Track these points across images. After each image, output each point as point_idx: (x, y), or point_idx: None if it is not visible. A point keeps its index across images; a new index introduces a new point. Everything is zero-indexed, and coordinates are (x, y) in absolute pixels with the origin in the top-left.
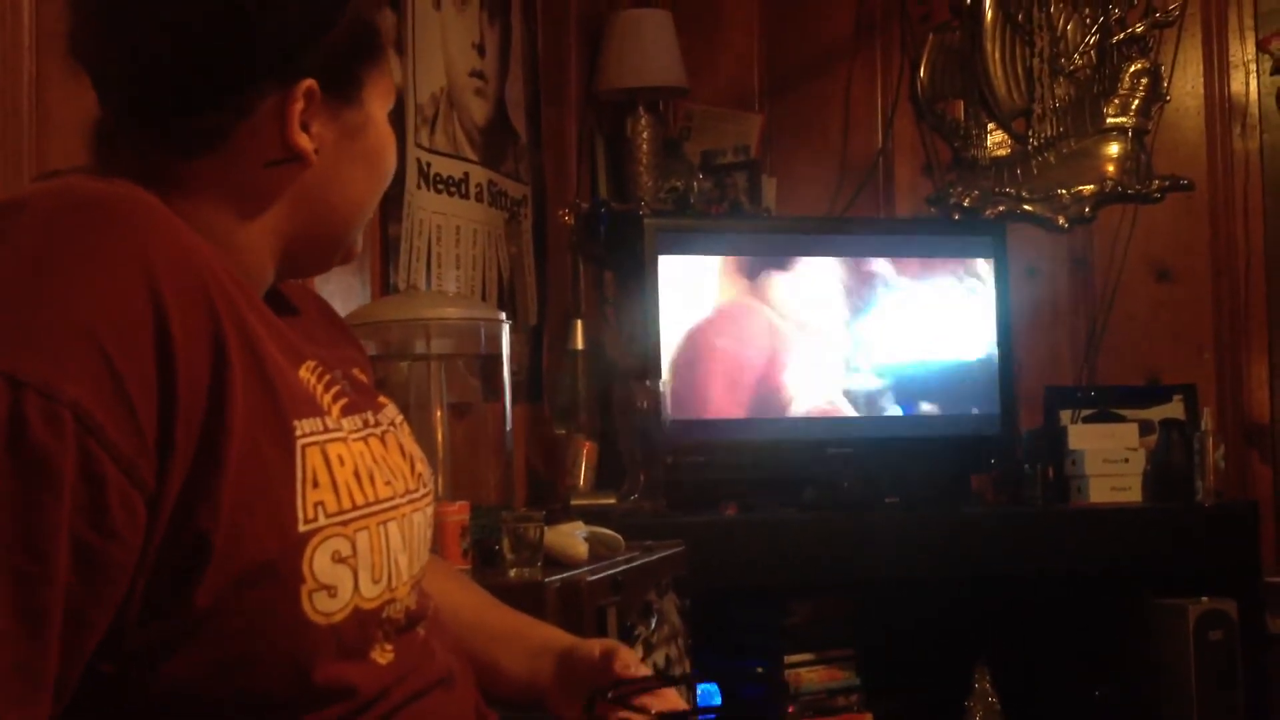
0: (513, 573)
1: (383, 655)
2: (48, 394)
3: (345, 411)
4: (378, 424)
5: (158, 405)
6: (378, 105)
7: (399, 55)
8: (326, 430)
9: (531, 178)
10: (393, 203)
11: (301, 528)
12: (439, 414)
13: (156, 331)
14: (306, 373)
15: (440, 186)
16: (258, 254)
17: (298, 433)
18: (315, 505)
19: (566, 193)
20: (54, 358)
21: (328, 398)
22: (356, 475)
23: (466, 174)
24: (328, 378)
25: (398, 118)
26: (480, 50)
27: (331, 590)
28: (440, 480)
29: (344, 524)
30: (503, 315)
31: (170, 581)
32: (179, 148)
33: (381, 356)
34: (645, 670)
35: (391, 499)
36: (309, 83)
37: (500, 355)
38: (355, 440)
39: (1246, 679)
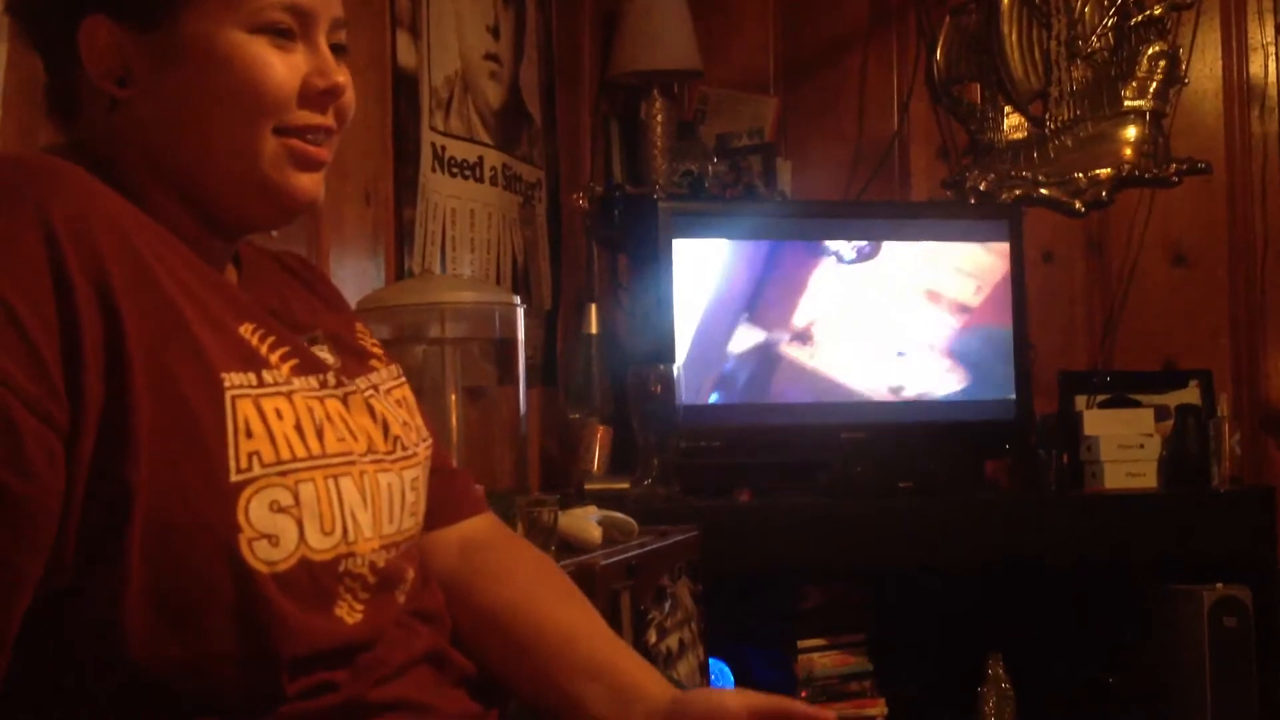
0: None
1: (350, 614)
2: None
3: (297, 371)
4: (340, 385)
5: (60, 348)
6: (213, 21)
7: (414, 38)
8: (262, 384)
9: (546, 161)
10: (407, 186)
11: (234, 477)
12: (453, 398)
13: (55, 278)
14: (247, 331)
15: (455, 170)
16: (165, 203)
17: (226, 384)
18: (249, 455)
19: (581, 176)
20: None
21: (274, 356)
22: (299, 429)
23: (481, 158)
24: (273, 337)
25: (412, 101)
26: (495, 33)
27: (273, 539)
28: (454, 464)
29: (282, 474)
30: (517, 299)
31: (101, 528)
32: (61, 111)
33: (396, 340)
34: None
35: (346, 455)
36: (95, 16)
37: (515, 339)
38: (304, 397)
39: (1261, 666)
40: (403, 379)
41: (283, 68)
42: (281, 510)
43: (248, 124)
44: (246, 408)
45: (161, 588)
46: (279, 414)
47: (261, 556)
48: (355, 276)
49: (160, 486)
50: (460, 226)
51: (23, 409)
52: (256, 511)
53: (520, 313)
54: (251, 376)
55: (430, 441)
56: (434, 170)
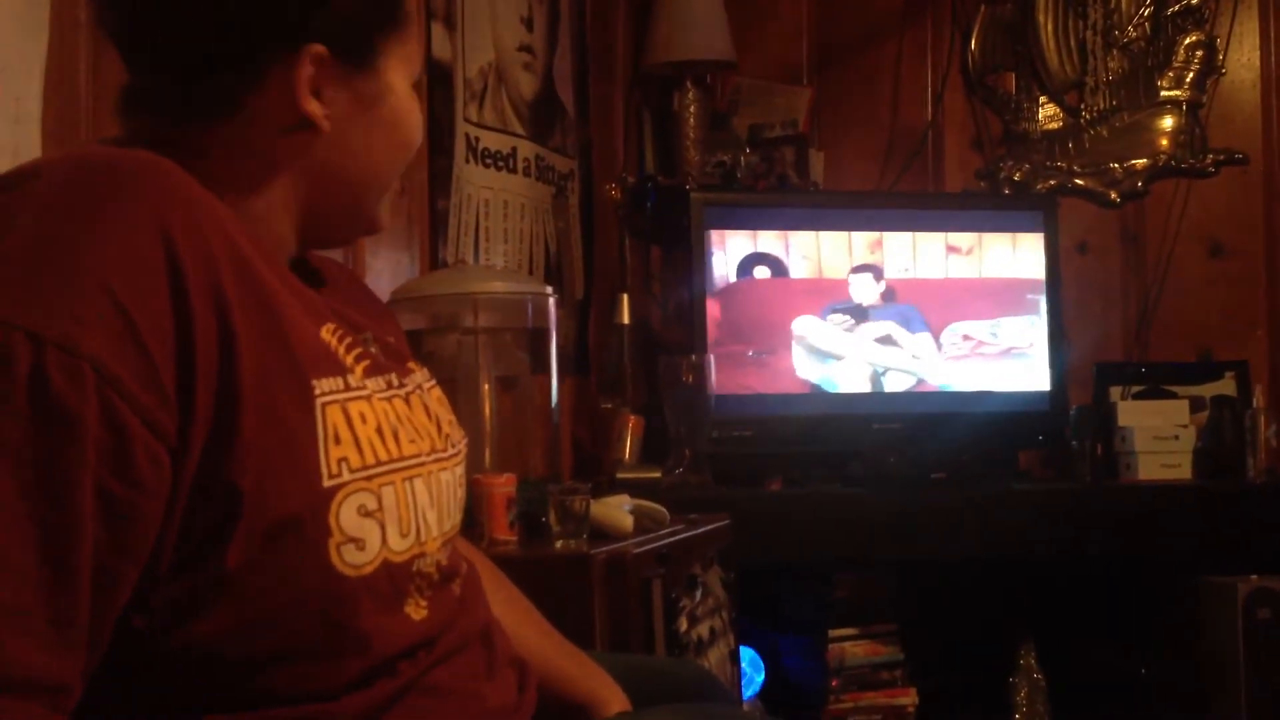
0: (559, 544)
1: (417, 610)
2: (67, 349)
3: (369, 372)
4: (403, 385)
5: (175, 357)
6: (397, 74)
7: (449, 30)
8: (348, 389)
9: (579, 152)
10: (441, 177)
11: (326, 483)
12: (486, 387)
13: (171, 284)
14: (328, 334)
15: (488, 161)
16: (275, 220)
17: (317, 391)
18: (339, 461)
19: (614, 167)
20: (72, 313)
21: (350, 358)
22: (379, 432)
23: (514, 148)
24: (349, 339)
25: (446, 93)
26: (529, 24)
27: (359, 543)
28: (488, 453)
29: (368, 479)
30: (549, 289)
31: (202, 536)
32: (196, 112)
33: (429, 330)
34: None
35: (417, 456)
36: (318, 47)
37: (547, 329)
38: (379, 400)
39: None
40: (434, 380)
41: None
42: (368, 515)
43: (399, 171)
44: (335, 414)
45: (252, 590)
46: (363, 418)
47: (349, 561)
48: (390, 267)
49: (262, 493)
50: (494, 217)
51: (133, 416)
52: (346, 516)
53: (552, 303)
54: (338, 381)
55: (466, 437)
56: (468, 161)
